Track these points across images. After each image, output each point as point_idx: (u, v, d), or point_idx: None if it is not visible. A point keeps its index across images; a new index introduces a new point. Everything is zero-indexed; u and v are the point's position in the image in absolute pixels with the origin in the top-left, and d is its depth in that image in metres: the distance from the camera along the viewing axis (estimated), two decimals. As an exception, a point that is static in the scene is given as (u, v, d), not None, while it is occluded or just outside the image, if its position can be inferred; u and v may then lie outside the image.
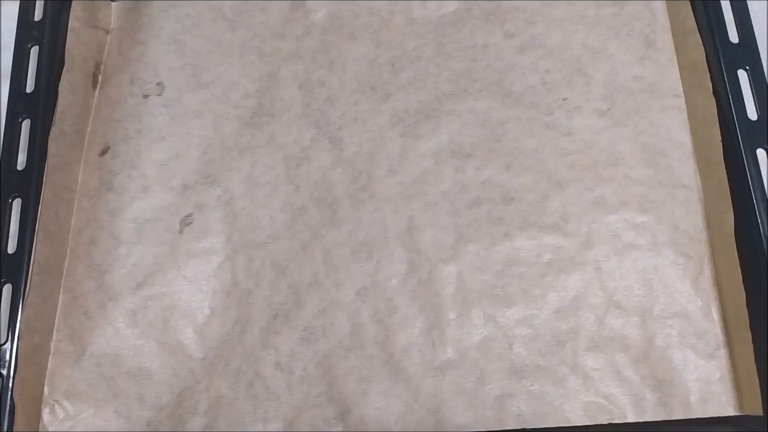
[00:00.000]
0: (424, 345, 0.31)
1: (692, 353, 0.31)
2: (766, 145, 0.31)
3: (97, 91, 0.36)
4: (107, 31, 0.37)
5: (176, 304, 0.32)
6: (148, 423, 0.30)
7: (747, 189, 0.31)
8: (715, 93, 0.33)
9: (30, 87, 0.34)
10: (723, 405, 0.30)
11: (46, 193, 0.32)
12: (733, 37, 0.33)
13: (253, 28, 0.37)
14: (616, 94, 0.35)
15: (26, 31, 0.35)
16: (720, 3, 0.34)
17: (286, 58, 0.36)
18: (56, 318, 0.32)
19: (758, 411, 0.29)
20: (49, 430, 0.30)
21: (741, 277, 0.30)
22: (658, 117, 0.34)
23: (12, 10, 0.36)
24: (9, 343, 0.30)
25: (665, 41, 0.36)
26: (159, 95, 0.35)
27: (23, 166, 0.33)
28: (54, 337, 0.32)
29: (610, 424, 0.30)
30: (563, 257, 0.32)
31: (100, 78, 0.36)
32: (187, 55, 0.36)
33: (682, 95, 0.35)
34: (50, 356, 0.31)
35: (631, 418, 0.30)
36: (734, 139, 0.31)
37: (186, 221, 0.33)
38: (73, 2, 0.35)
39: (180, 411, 0.30)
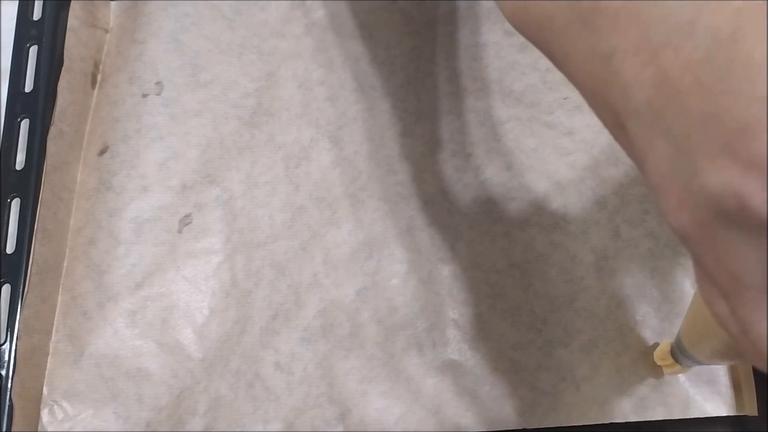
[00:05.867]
0: (425, 345, 0.31)
1: (693, 353, 0.31)
2: None
3: (96, 90, 0.36)
4: (106, 31, 0.37)
5: (175, 304, 0.32)
6: (147, 423, 0.30)
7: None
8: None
9: (29, 86, 0.34)
10: (722, 405, 0.30)
11: (44, 193, 0.32)
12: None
13: (252, 27, 0.37)
14: None
15: (25, 31, 0.35)
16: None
17: (285, 57, 0.36)
18: (55, 318, 0.32)
19: (755, 411, 0.29)
20: (48, 430, 0.30)
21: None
22: None
23: (11, 10, 0.36)
24: (8, 343, 0.30)
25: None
26: (158, 95, 0.35)
27: (22, 166, 0.32)
28: (53, 338, 0.31)
29: (610, 424, 0.30)
30: (564, 257, 0.32)
31: (99, 77, 0.36)
32: (186, 55, 0.36)
33: None
34: (49, 356, 0.31)
35: (631, 418, 0.30)
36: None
37: (185, 221, 0.33)
38: (72, 1, 0.35)
39: (179, 411, 0.30)
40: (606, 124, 0.16)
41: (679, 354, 0.28)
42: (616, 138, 0.16)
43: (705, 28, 0.12)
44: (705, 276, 0.14)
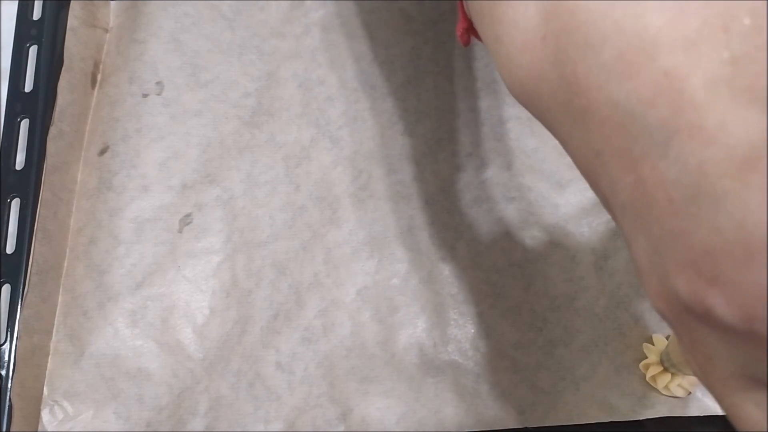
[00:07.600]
0: (426, 345, 0.31)
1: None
2: None
3: (96, 90, 0.36)
4: (106, 30, 0.37)
5: (175, 304, 0.32)
6: (147, 424, 0.30)
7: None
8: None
9: (29, 86, 0.34)
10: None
11: (44, 193, 0.32)
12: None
13: (252, 27, 0.37)
14: None
15: (25, 30, 0.35)
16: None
17: (285, 57, 0.36)
18: (55, 318, 0.32)
19: None
20: (48, 430, 0.30)
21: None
22: None
23: (11, 9, 0.36)
24: (8, 343, 0.30)
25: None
26: (158, 94, 0.35)
27: (22, 166, 0.32)
28: (53, 338, 0.31)
29: (609, 423, 0.30)
30: (564, 257, 0.32)
31: (99, 77, 0.36)
32: (186, 54, 0.36)
33: None
34: (49, 356, 0.31)
35: (630, 417, 0.30)
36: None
37: (185, 221, 0.33)
38: (72, 1, 0.35)
39: (180, 412, 0.30)
40: (600, 200, 0.17)
41: (669, 365, 0.28)
42: (608, 212, 0.17)
43: (676, 153, 0.12)
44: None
